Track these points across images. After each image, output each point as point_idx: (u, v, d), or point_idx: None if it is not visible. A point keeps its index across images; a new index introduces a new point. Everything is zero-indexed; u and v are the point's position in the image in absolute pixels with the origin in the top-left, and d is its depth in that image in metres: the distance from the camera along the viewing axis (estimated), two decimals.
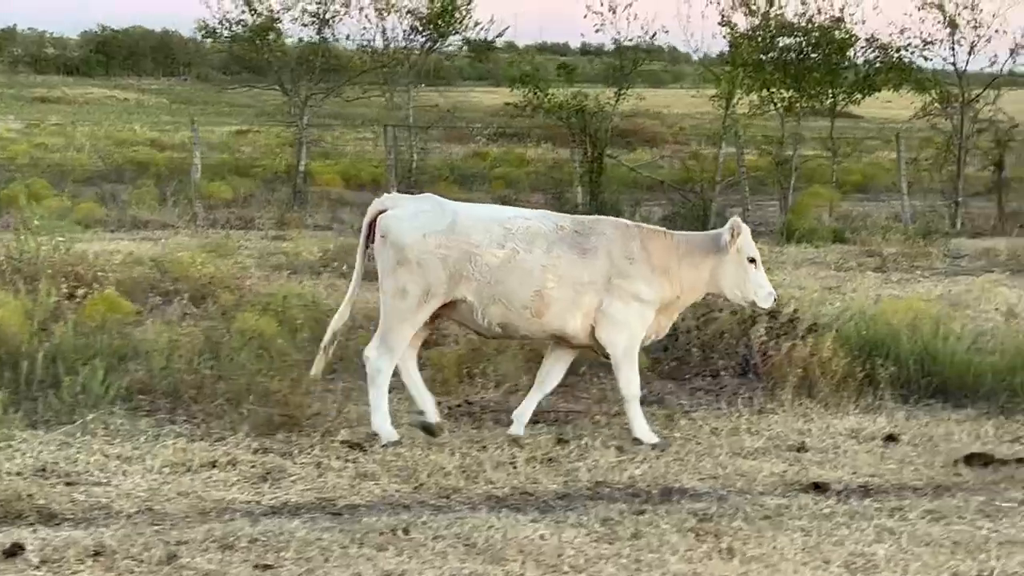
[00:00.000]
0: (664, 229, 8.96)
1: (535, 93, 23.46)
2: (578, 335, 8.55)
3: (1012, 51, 24.24)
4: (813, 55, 24.27)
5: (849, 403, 9.59)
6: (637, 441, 8.53)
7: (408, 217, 8.43)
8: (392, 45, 24.25)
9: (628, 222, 8.88)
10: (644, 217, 23.06)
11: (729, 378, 10.22)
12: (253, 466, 7.83)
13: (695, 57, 25.83)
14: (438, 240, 8.33)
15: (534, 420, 8.96)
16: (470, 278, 8.34)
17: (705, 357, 10.49)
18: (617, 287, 8.45)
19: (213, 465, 7.80)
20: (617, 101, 23.67)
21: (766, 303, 8.81)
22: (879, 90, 24.92)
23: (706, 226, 22.72)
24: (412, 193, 22.94)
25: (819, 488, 7.77)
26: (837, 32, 24.14)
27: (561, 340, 8.65)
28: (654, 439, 8.57)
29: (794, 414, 9.41)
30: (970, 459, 8.35)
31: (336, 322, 8.85)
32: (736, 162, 24.44)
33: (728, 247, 8.61)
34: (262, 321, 10.31)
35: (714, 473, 8.04)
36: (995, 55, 24.59)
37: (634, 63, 24.01)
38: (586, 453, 8.33)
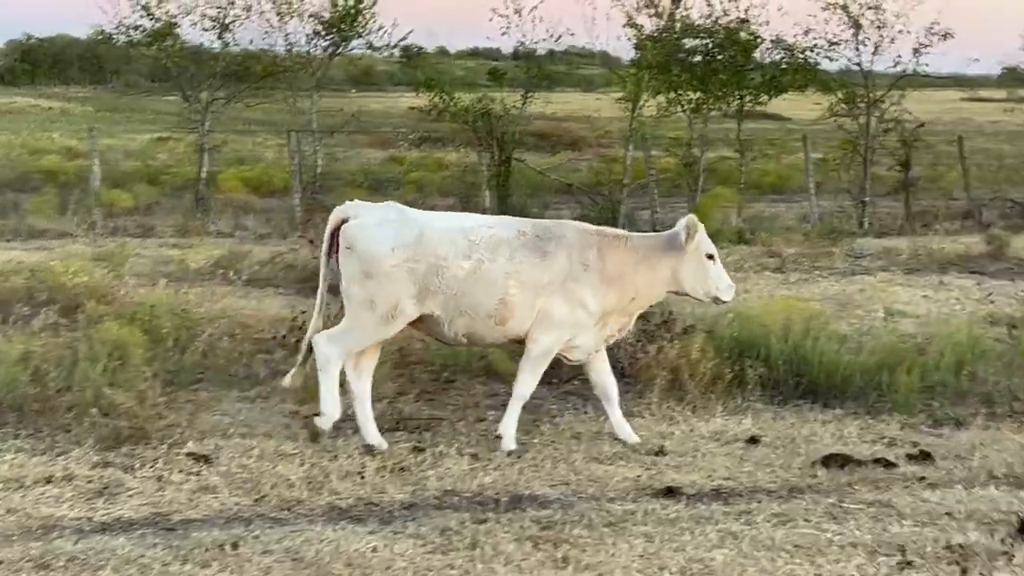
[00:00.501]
0: (626, 234, 8.90)
1: (441, 97, 23.28)
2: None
3: (916, 51, 24.38)
4: (719, 57, 24.28)
5: (717, 405, 9.52)
6: (498, 438, 8.43)
7: (374, 228, 8.31)
8: (295, 49, 23.97)
9: (590, 227, 8.79)
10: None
11: None
12: (90, 481, 7.60)
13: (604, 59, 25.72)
14: (407, 254, 8.24)
15: (392, 427, 8.81)
16: (437, 291, 8.27)
17: None
18: (569, 290, 8.43)
19: (48, 481, 7.57)
20: (524, 104, 23.52)
21: (727, 295, 8.84)
22: (785, 91, 24.94)
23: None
24: (316, 198, 23.14)
25: (671, 493, 7.67)
26: (742, 33, 24.16)
27: (520, 344, 8.58)
28: (512, 446, 8.44)
29: (660, 417, 9.32)
30: (827, 460, 8.29)
31: (309, 336, 8.60)
32: (645, 165, 24.44)
33: (686, 245, 8.61)
34: (124, 331, 10.06)
35: (567, 479, 7.92)
36: (899, 55, 24.75)
37: (539, 67, 23.89)
38: (439, 461, 8.17)
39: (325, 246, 8.49)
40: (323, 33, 23.81)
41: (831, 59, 24.48)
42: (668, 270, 8.63)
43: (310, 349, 8.52)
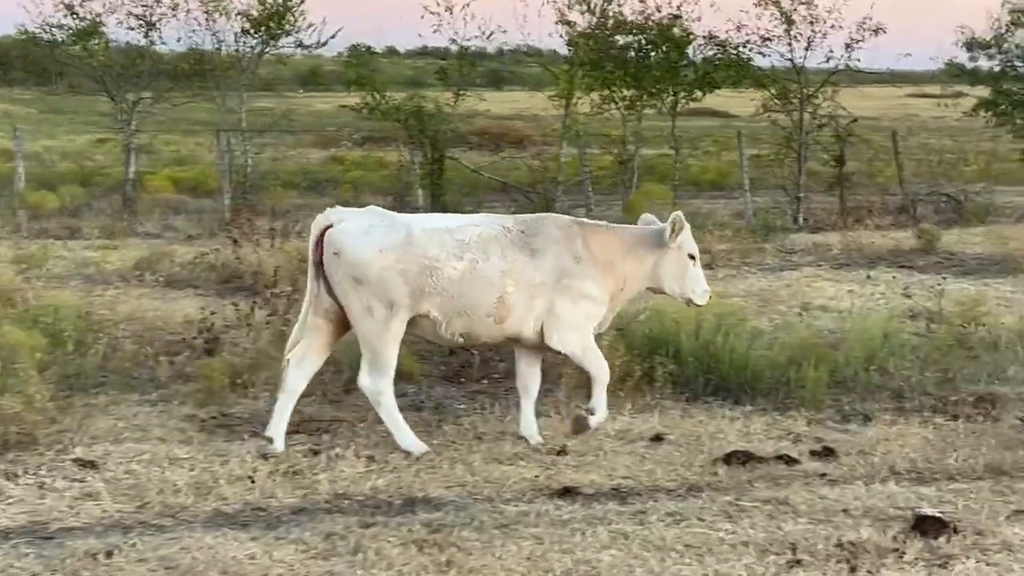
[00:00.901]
0: (606, 224, 9.02)
1: (372, 95, 23.10)
2: (531, 337, 8.47)
3: (848, 46, 24.39)
4: (652, 53, 24.22)
5: (626, 403, 9.39)
6: (586, 414, 8.51)
7: (360, 232, 8.20)
8: (223, 48, 23.68)
9: (569, 219, 8.79)
10: None
11: (509, 381, 9.94)
12: None
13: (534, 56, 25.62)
14: (396, 255, 8.14)
15: (292, 430, 8.63)
16: (433, 293, 8.19)
17: (485, 360, 10.25)
18: (566, 287, 8.42)
19: None
20: (457, 102, 23.37)
21: (702, 300, 8.88)
22: (719, 87, 24.91)
23: None
24: (246, 198, 22.88)
25: (568, 493, 7.54)
26: (675, 29, 24.12)
27: (516, 342, 8.58)
28: (602, 417, 8.51)
29: (567, 415, 9.17)
30: (729, 458, 8.19)
31: (290, 344, 8.48)
32: (580, 162, 24.35)
33: (670, 242, 8.64)
34: (22, 334, 9.82)
35: (463, 481, 7.77)
36: (831, 50, 24.77)
37: (472, 64, 23.74)
38: (334, 464, 8.00)
39: (311, 256, 8.32)
40: (251, 31, 23.54)
41: (763, 55, 24.47)
42: (651, 265, 8.67)
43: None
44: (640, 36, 24.11)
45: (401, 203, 22.78)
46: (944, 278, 15.24)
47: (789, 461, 8.17)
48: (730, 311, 10.59)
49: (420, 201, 22.70)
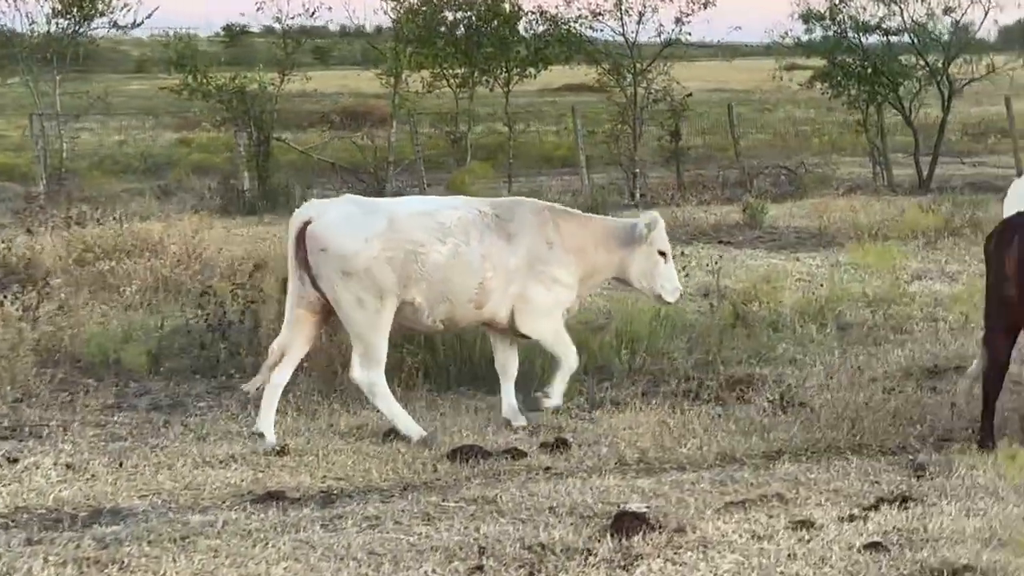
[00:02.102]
0: (579, 212, 9.08)
1: (193, 76, 22.41)
2: (504, 322, 8.49)
3: (678, 20, 24.21)
4: (483, 29, 23.82)
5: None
6: (541, 397, 8.58)
7: (342, 223, 8.06)
8: (35, 30, 22.80)
9: (543, 204, 8.84)
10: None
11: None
12: None
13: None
14: (381, 243, 8.04)
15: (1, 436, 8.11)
16: (419, 279, 8.14)
17: (232, 354, 9.78)
18: (540, 273, 8.46)
19: None
20: (282, 82, 22.78)
21: (671, 297, 8.91)
22: (551, 64, 24.60)
23: None
24: (62, 184, 22.06)
25: (271, 498, 7.10)
26: (505, 4, 23.75)
27: (488, 326, 8.63)
28: (556, 402, 8.57)
29: (305, 412, 8.77)
30: (456, 453, 7.81)
31: (277, 343, 8.30)
32: (412, 141, 23.90)
33: (643, 238, 8.70)
34: None
35: (162, 488, 7.29)
36: (661, 25, 24.58)
37: (297, 43, 23.16)
38: (30, 473, 7.48)
39: (291, 251, 8.15)
40: (63, 12, 22.69)
41: (594, 29, 24.19)
42: (620, 258, 8.72)
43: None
44: (469, 12, 23.67)
45: (227, 186, 22.25)
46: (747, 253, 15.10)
47: (517, 455, 7.82)
48: None
49: (246, 184, 22.08)
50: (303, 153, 23.91)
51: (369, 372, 8.12)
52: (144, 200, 20.59)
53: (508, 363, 8.66)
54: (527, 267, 8.38)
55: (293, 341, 8.23)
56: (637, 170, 24.27)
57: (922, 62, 25.72)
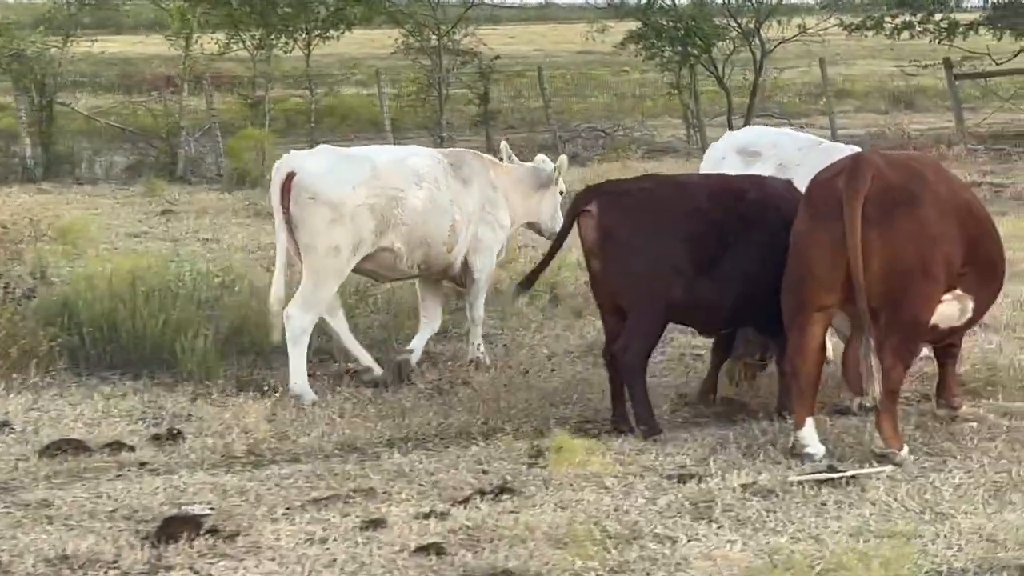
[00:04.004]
0: (500, 162, 9.28)
1: None
2: (459, 266, 8.77)
3: None
4: None
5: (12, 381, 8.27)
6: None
7: (329, 172, 8.22)
8: None
9: (477, 152, 9.21)
10: (106, 167, 21.55)
11: None
12: None
13: None
14: (366, 190, 8.21)
15: None
16: (398, 224, 8.32)
17: None
18: (488, 215, 8.77)
19: None
20: (65, 45, 21.77)
21: None
22: (353, 25, 23.87)
23: (174, 175, 21.39)
24: None
25: None
26: None
27: (444, 272, 8.81)
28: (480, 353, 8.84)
29: None
30: (51, 448, 7.17)
31: (273, 296, 8.33)
32: (207, 106, 23.04)
33: (553, 180, 9.07)
34: None
35: None
36: None
37: (81, 4, 22.17)
38: None
39: (278, 203, 8.23)
40: None
41: None
42: (535, 202, 9.07)
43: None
44: None
45: (5, 154, 21.31)
46: None
47: (116, 449, 7.20)
48: (152, 270, 9.53)
49: (28, 151, 21.11)
50: (89, 118, 22.92)
51: (305, 316, 8.15)
52: None
53: (434, 314, 8.92)
54: (480, 210, 8.68)
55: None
56: (444, 134, 23.70)
57: (734, 23, 25.41)
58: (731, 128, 24.95)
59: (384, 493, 6.44)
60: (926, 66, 25.99)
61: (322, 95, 24.69)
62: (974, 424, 7.36)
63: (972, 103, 27.76)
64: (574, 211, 7.48)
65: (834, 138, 24.98)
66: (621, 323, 7.34)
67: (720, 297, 7.29)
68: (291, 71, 25.57)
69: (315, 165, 8.25)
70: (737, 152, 9.08)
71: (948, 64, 25.72)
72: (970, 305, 6.90)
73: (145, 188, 18.84)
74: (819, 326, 6.76)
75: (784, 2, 25.89)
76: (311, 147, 8.38)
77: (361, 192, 8.17)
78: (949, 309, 6.83)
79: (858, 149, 9.32)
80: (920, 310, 6.62)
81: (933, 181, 6.68)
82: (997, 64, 26.15)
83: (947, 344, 7.36)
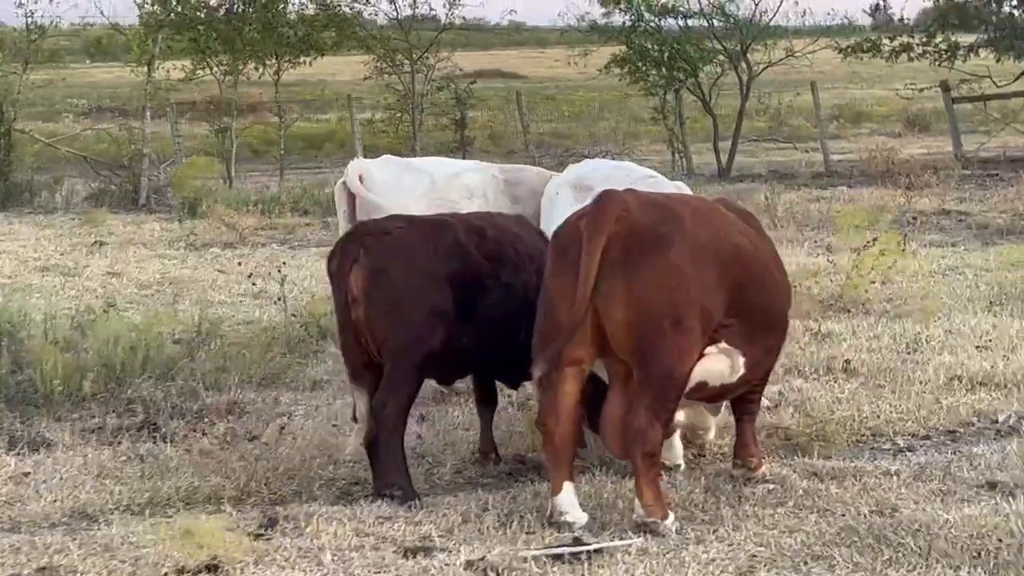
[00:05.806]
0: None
1: None
2: None
3: (451, 3, 23.08)
4: (246, 13, 22.58)
5: None
6: None
7: (394, 182, 8.53)
8: None
9: (547, 172, 9.18)
10: (67, 196, 21.10)
11: None
12: None
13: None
14: (426, 203, 8.33)
15: None
16: None
17: None
18: None
19: None
20: (24, 71, 21.48)
21: None
22: (323, 50, 23.38)
23: (137, 204, 20.93)
24: None
25: None
26: None
27: None
28: None
29: None
30: None
31: None
32: (172, 133, 22.64)
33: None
34: None
35: None
36: (432, 10, 23.48)
37: (42, 31, 21.86)
38: None
39: (346, 209, 8.52)
40: None
41: (363, 14, 23.02)
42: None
43: None
44: None
45: None
46: None
47: None
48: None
49: None
50: (49, 145, 22.56)
51: None
52: None
53: None
54: None
55: None
56: None
57: (719, 47, 24.67)
58: (716, 153, 24.27)
59: (71, 573, 5.78)
60: (922, 89, 25.11)
61: (293, 120, 24.21)
62: (770, 486, 6.61)
63: (988, 126, 26.80)
64: (344, 259, 6.73)
65: (826, 163, 24.27)
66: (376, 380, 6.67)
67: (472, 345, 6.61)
68: (258, 97, 25.06)
69: (383, 175, 8.61)
70: (571, 187, 8.55)
71: (945, 87, 24.86)
72: (740, 361, 6.15)
73: (85, 219, 18.38)
74: (572, 382, 6.05)
75: (770, 26, 25.04)
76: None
77: (422, 203, 8.34)
78: (716, 364, 6.09)
79: (683, 185, 8.68)
80: (674, 364, 5.88)
81: (691, 223, 5.95)
82: (998, 87, 25.19)
83: (743, 400, 6.63)
